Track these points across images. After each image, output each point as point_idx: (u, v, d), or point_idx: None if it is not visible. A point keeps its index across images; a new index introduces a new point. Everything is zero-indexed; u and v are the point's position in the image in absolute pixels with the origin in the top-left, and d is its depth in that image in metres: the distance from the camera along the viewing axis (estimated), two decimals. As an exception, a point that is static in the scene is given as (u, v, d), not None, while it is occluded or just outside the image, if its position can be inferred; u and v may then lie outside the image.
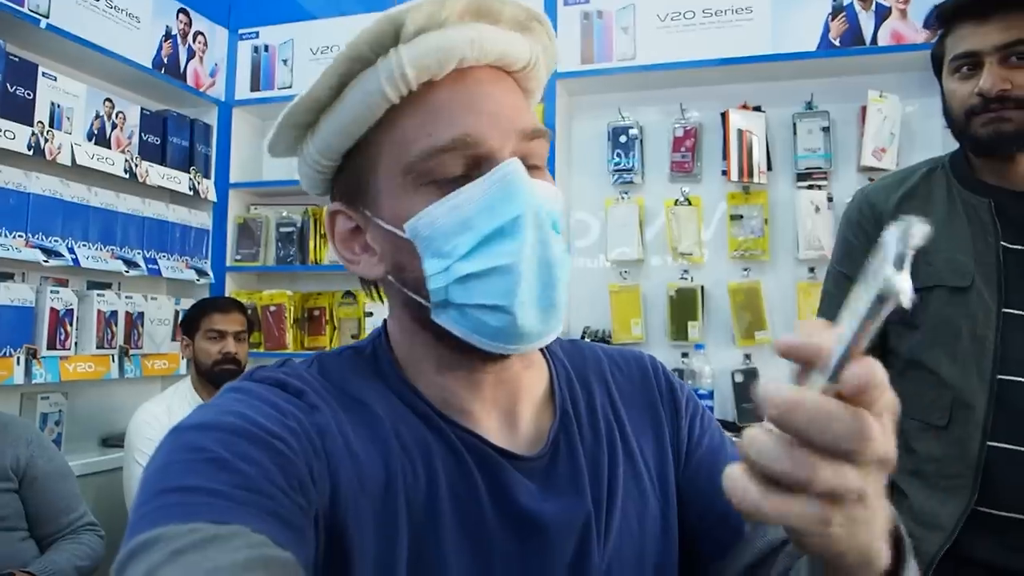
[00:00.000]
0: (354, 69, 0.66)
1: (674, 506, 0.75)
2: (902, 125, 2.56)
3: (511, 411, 0.72)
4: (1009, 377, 1.28)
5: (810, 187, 2.66)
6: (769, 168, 2.71)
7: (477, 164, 0.65)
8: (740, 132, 2.66)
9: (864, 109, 2.57)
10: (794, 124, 2.69)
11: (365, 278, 0.73)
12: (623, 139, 2.83)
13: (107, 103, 2.67)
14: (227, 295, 3.09)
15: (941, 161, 1.47)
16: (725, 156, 2.69)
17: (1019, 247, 1.31)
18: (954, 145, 1.46)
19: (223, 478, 0.54)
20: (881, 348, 1.47)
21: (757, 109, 2.73)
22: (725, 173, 2.70)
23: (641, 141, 2.85)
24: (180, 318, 2.73)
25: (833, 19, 2.58)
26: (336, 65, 0.66)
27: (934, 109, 2.54)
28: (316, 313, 3.15)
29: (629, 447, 0.76)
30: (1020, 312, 1.29)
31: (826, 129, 2.66)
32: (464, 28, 0.65)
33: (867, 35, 2.56)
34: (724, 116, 2.69)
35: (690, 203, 2.77)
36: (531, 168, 0.67)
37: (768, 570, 0.68)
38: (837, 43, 2.58)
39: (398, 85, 0.65)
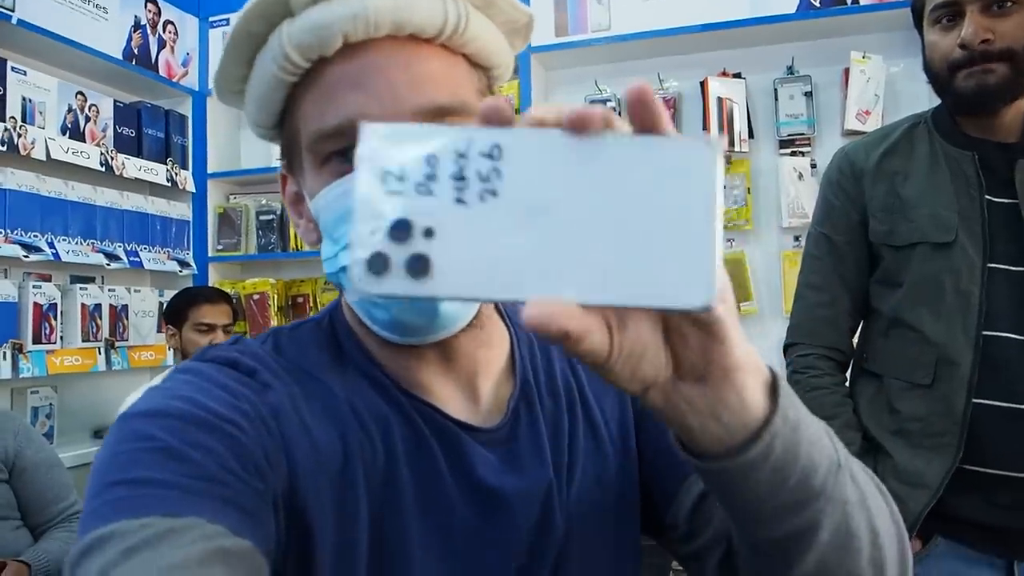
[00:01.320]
0: (253, 44, 0.64)
1: (634, 460, 0.74)
2: (886, 86, 2.53)
3: (470, 383, 0.71)
4: (994, 333, 1.26)
5: (793, 154, 2.63)
6: (751, 136, 2.69)
7: None
8: (720, 100, 2.63)
9: (847, 72, 2.55)
10: (775, 90, 2.67)
11: (304, 240, 0.72)
12: (602, 112, 2.80)
13: (79, 96, 2.64)
14: (211, 285, 3.07)
15: (923, 116, 1.43)
16: (705, 125, 2.66)
17: (1004, 200, 1.29)
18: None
19: (174, 468, 0.52)
20: (864, 309, 1.46)
21: (737, 76, 2.70)
22: (707, 142, 2.67)
23: (620, 113, 2.82)
24: (164, 307, 2.69)
25: (813, -21, 2.55)
26: (231, 44, 0.64)
27: (920, 68, 2.53)
28: (300, 300, 3.13)
29: (588, 409, 0.75)
30: (1005, 267, 1.27)
31: (808, 94, 2.63)
32: (349, 0, 0.60)
33: (848, -5, 2.53)
34: (703, 84, 2.67)
35: (673, 174, 2.75)
36: None
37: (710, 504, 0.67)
38: (817, 4, 2.54)
39: (285, 66, 0.62)
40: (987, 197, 1.29)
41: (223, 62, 0.66)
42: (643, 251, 0.35)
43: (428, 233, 0.35)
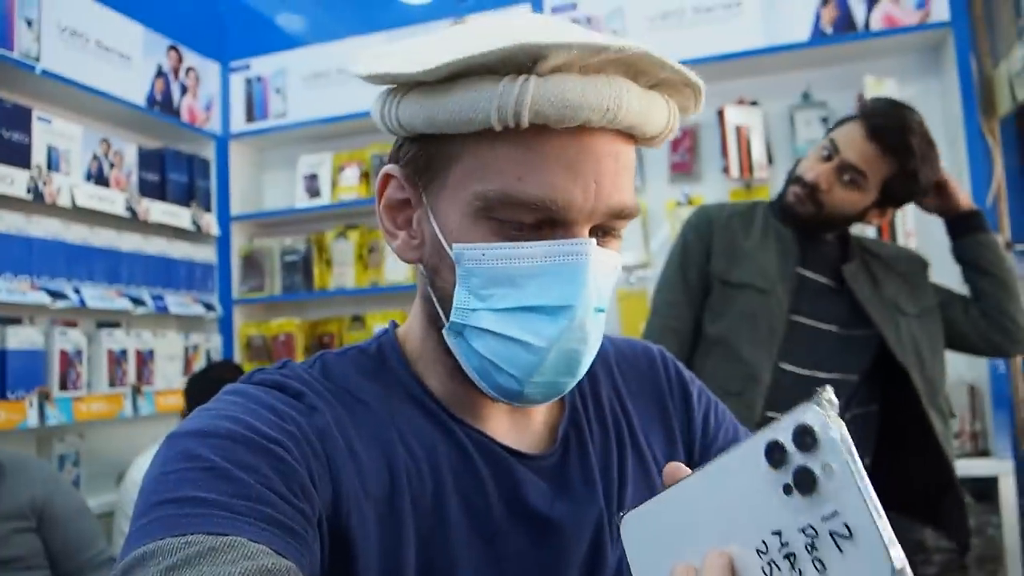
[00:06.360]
0: (474, 71, 0.58)
1: None
2: (901, 109, 2.54)
3: (521, 410, 0.70)
4: (783, 364, 1.61)
5: (813, 178, 2.63)
6: (770, 162, 2.69)
7: (551, 223, 0.60)
8: (737, 128, 2.64)
9: (861, 97, 2.55)
10: (791, 117, 2.68)
11: (399, 256, 0.68)
12: (621, 143, 2.81)
13: (103, 143, 2.68)
14: (237, 328, 3.09)
15: (764, 203, 1.77)
16: (724, 153, 2.67)
17: (810, 274, 1.65)
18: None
19: (220, 487, 0.52)
20: (695, 332, 1.74)
21: (753, 103, 2.71)
22: (726, 170, 2.68)
23: (639, 144, 2.83)
24: (190, 379, 2.47)
25: (824, 6, 2.57)
26: (455, 65, 0.57)
27: (933, 90, 2.53)
28: (326, 340, 3.14)
29: (636, 440, 0.74)
30: (802, 320, 1.63)
31: (825, 120, 2.64)
32: (605, 89, 0.57)
33: (859, 20, 2.54)
34: (720, 113, 2.68)
35: (692, 204, 2.75)
36: (605, 238, 0.63)
37: None
38: (830, 31, 2.56)
39: (507, 119, 0.57)
40: (798, 269, 1.64)
41: (422, 74, 0.58)
42: None
43: None
